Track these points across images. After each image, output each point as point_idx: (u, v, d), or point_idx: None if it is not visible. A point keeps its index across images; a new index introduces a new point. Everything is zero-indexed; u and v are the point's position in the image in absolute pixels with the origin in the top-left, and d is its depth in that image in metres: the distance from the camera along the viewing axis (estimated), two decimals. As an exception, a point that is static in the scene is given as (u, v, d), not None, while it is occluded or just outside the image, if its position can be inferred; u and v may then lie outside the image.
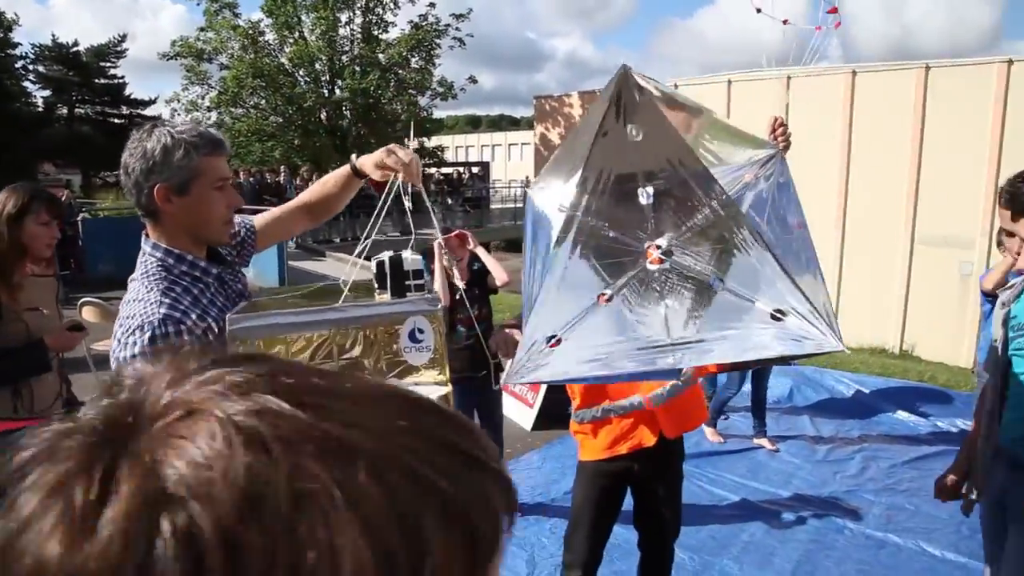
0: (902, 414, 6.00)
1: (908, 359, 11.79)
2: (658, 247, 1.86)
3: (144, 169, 1.61)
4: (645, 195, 1.85)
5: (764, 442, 5.25)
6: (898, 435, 5.63)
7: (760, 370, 5.21)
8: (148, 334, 1.53)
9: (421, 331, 1.57)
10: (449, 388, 1.58)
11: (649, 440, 2.54)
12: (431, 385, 1.57)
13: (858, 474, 4.81)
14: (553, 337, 1.82)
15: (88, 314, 6.24)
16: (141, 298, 1.61)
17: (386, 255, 1.63)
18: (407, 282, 1.61)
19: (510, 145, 55.57)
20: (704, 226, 1.87)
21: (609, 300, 1.87)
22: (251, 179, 17.22)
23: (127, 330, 1.56)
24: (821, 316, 1.79)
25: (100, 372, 6.36)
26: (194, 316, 1.61)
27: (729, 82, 19.72)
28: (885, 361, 8.52)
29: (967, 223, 15.47)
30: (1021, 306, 2.19)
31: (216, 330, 1.63)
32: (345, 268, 1.81)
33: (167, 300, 1.60)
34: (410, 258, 1.62)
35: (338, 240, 18.12)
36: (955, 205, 15.87)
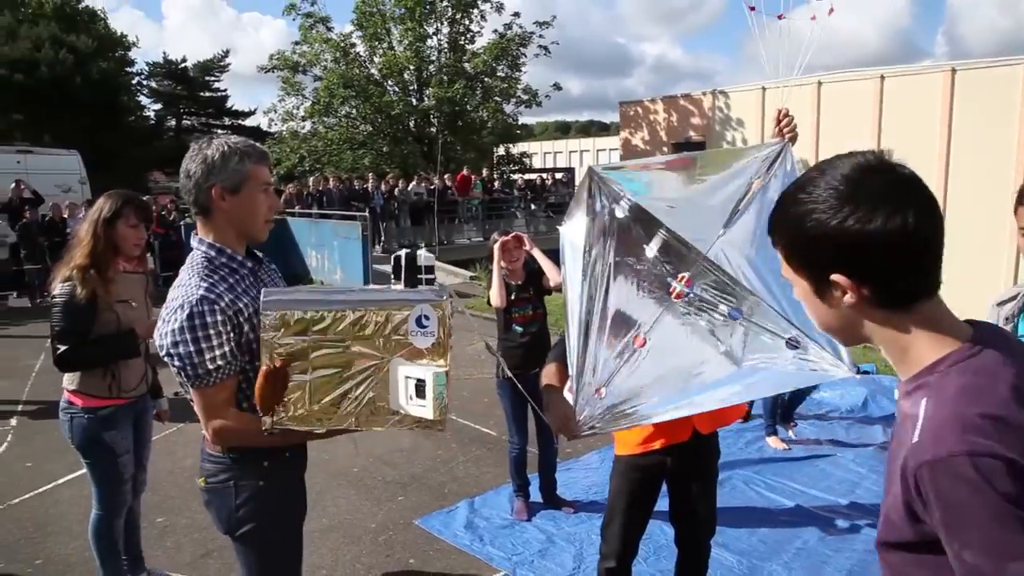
0: None
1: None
2: (680, 281, 2.03)
3: (204, 172, 1.91)
4: (650, 249, 2.04)
5: (772, 440, 5.35)
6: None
7: None
8: (187, 311, 1.80)
9: (427, 318, 1.74)
10: (445, 369, 1.73)
11: (682, 435, 2.58)
12: (431, 366, 1.73)
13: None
14: (598, 389, 2.03)
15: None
16: (184, 283, 1.89)
17: (403, 252, 1.81)
18: (419, 276, 1.78)
19: (598, 151, 55.32)
20: (701, 271, 2.08)
21: (644, 344, 2.03)
22: (340, 186, 17.90)
23: (171, 310, 1.84)
24: (826, 344, 1.88)
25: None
26: (227, 299, 1.86)
27: (819, 83, 19.14)
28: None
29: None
30: None
31: (247, 313, 1.87)
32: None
33: (204, 284, 1.86)
34: (424, 255, 1.80)
35: (423, 245, 18.62)
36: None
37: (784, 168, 2.13)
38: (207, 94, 37.11)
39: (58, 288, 2.98)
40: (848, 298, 1.02)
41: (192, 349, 1.80)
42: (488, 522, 4.18)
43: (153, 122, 35.74)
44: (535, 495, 4.41)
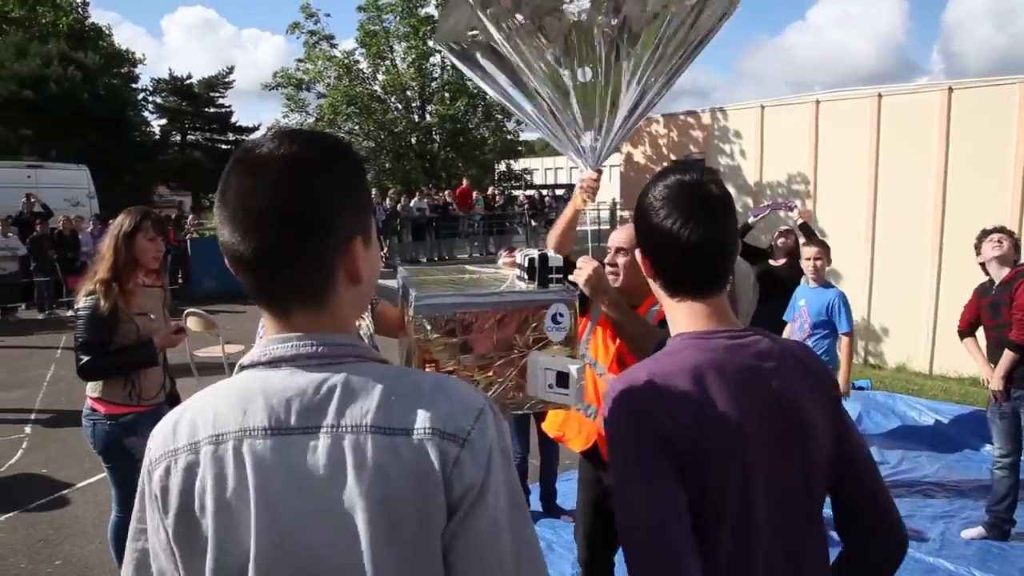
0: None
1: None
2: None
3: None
4: None
5: None
6: (974, 466, 5.50)
7: None
8: None
9: (561, 315, 1.92)
10: (583, 363, 1.89)
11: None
12: (569, 360, 1.90)
13: (919, 500, 4.77)
14: None
15: (192, 324, 6.88)
16: None
17: (535, 252, 2.00)
18: (550, 276, 1.98)
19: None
20: None
21: None
22: (344, 201, 18.08)
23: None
24: None
25: (202, 377, 7.00)
26: None
27: (817, 102, 19.24)
28: (968, 389, 8.24)
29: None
30: None
31: None
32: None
33: None
34: (552, 255, 1.98)
35: (425, 261, 18.80)
36: (1063, 228, 14.90)
37: None
38: (211, 110, 37.47)
39: (82, 302, 3.14)
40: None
41: None
42: (490, 529, 4.28)
43: (158, 137, 36.04)
44: (535, 504, 4.54)
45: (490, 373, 1.91)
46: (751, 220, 5.92)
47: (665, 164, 24.44)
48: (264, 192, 0.93)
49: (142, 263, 3.25)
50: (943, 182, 17.08)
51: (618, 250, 2.56)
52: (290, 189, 0.93)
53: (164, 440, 0.98)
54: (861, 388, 7.15)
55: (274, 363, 0.95)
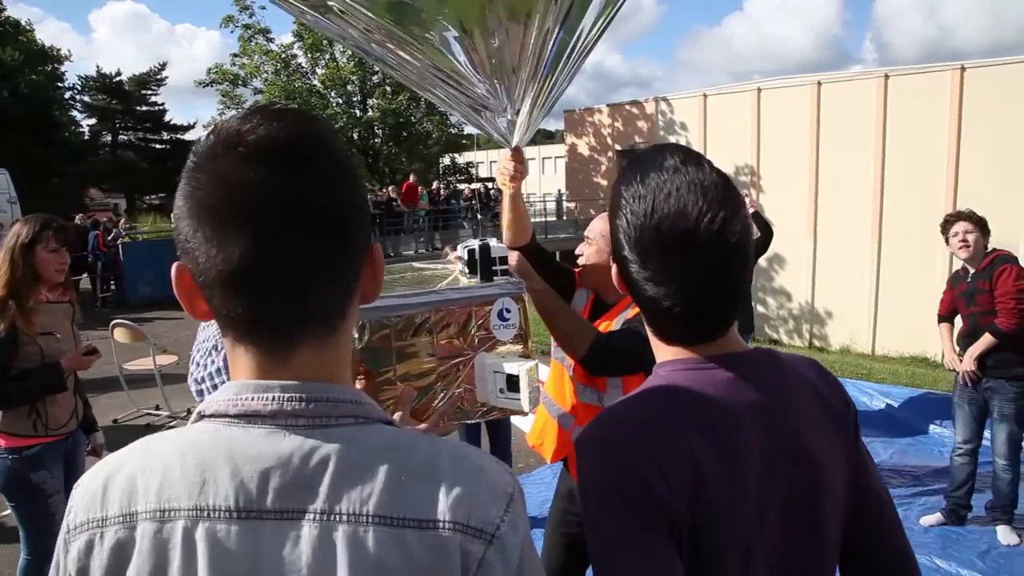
0: (936, 429, 5.79)
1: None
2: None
3: None
4: None
5: None
6: (926, 450, 5.52)
7: None
8: (223, 352, 1.71)
9: (508, 311, 1.76)
10: (535, 362, 1.72)
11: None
12: (516, 357, 1.73)
13: (876, 487, 4.74)
14: None
15: (120, 335, 6.51)
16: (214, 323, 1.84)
17: (475, 243, 1.77)
18: (494, 267, 1.75)
19: (544, 159, 55.75)
20: None
21: None
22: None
23: (204, 352, 1.78)
24: None
25: (132, 391, 6.61)
26: None
27: (759, 90, 19.52)
28: (914, 370, 8.35)
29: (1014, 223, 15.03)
30: None
31: None
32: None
33: None
34: (496, 245, 1.75)
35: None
36: (1000, 209, 15.45)
37: None
38: (144, 108, 36.17)
39: (-27, 323, 2.81)
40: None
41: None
42: (442, 544, 4.09)
43: (87, 137, 34.65)
44: (489, 513, 4.35)
45: (432, 380, 1.71)
46: None
47: (610, 154, 24.24)
48: (280, 185, 0.68)
49: (44, 277, 2.93)
50: (881, 165, 17.51)
51: (587, 239, 2.35)
52: (320, 181, 0.70)
53: (89, 503, 0.73)
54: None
55: (247, 418, 0.71)
